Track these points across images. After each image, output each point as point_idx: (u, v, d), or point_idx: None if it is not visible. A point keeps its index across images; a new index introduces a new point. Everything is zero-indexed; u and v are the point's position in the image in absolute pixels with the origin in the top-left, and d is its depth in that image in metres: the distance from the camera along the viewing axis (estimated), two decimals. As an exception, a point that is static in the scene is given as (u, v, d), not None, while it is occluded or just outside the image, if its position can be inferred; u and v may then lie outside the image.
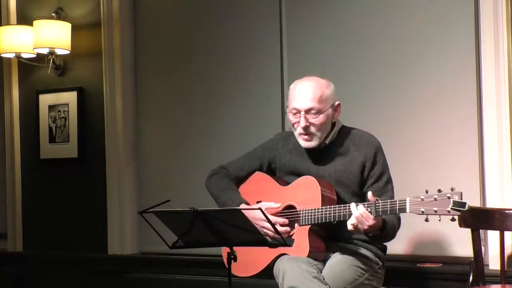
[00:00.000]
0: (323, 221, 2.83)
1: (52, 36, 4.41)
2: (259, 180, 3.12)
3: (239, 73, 4.23)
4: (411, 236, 3.60)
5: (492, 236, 3.40)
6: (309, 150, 3.01)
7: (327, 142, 2.99)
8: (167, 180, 4.44)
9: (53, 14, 4.68)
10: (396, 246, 3.31)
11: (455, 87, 3.57)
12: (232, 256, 2.63)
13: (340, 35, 3.89)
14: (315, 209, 2.85)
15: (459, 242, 3.47)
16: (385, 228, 2.81)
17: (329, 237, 2.94)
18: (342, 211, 2.79)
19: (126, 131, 4.55)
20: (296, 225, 2.92)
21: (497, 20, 3.42)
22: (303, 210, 2.90)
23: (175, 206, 2.63)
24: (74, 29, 4.53)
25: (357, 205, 2.72)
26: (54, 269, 4.69)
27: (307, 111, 2.92)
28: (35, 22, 4.44)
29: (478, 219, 3.11)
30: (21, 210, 4.92)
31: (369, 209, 2.69)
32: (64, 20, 4.63)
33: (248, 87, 4.19)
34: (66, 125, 4.72)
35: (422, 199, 2.60)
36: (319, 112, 2.92)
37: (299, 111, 2.93)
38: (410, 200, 2.64)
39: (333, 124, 3.01)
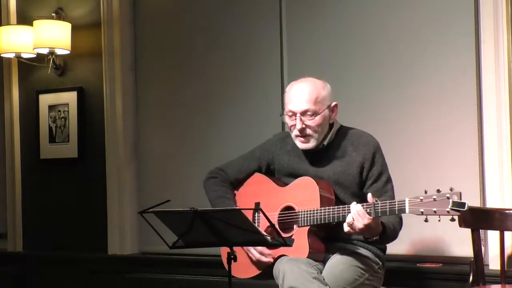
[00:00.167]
0: (322, 222, 2.82)
1: (52, 36, 4.41)
2: (258, 182, 3.10)
3: (239, 73, 4.22)
4: (411, 236, 3.59)
5: (492, 236, 3.40)
6: (307, 152, 2.98)
7: (325, 143, 2.96)
8: (167, 180, 4.44)
9: (53, 14, 4.68)
10: (396, 246, 3.30)
11: (455, 87, 3.57)
12: (232, 256, 2.62)
13: (340, 34, 3.89)
14: (314, 210, 2.84)
15: (459, 242, 3.47)
16: (385, 233, 2.80)
17: (329, 237, 2.92)
18: (341, 211, 2.77)
19: (126, 131, 4.55)
20: (295, 226, 2.90)
21: (497, 20, 3.42)
22: (302, 211, 2.88)
23: (175, 206, 2.62)
24: (74, 29, 4.53)
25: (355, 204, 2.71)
26: (54, 269, 4.69)
27: (303, 113, 2.89)
28: (35, 22, 4.44)
29: (478, 219, 3.11)
30: (21, 210, 4.92)
31: (368, 210, 2.68)
32: (64, 20, 4.63)
33: (248, 87, 4.19)
34: (66, 125, 4.71)
35: (421, 200, 2.59)
36: (315, 113, 2.89)
37: (294, 114, 2.90)
38: (409, 200, 2.62)
39: (331, 125, 2.98)
